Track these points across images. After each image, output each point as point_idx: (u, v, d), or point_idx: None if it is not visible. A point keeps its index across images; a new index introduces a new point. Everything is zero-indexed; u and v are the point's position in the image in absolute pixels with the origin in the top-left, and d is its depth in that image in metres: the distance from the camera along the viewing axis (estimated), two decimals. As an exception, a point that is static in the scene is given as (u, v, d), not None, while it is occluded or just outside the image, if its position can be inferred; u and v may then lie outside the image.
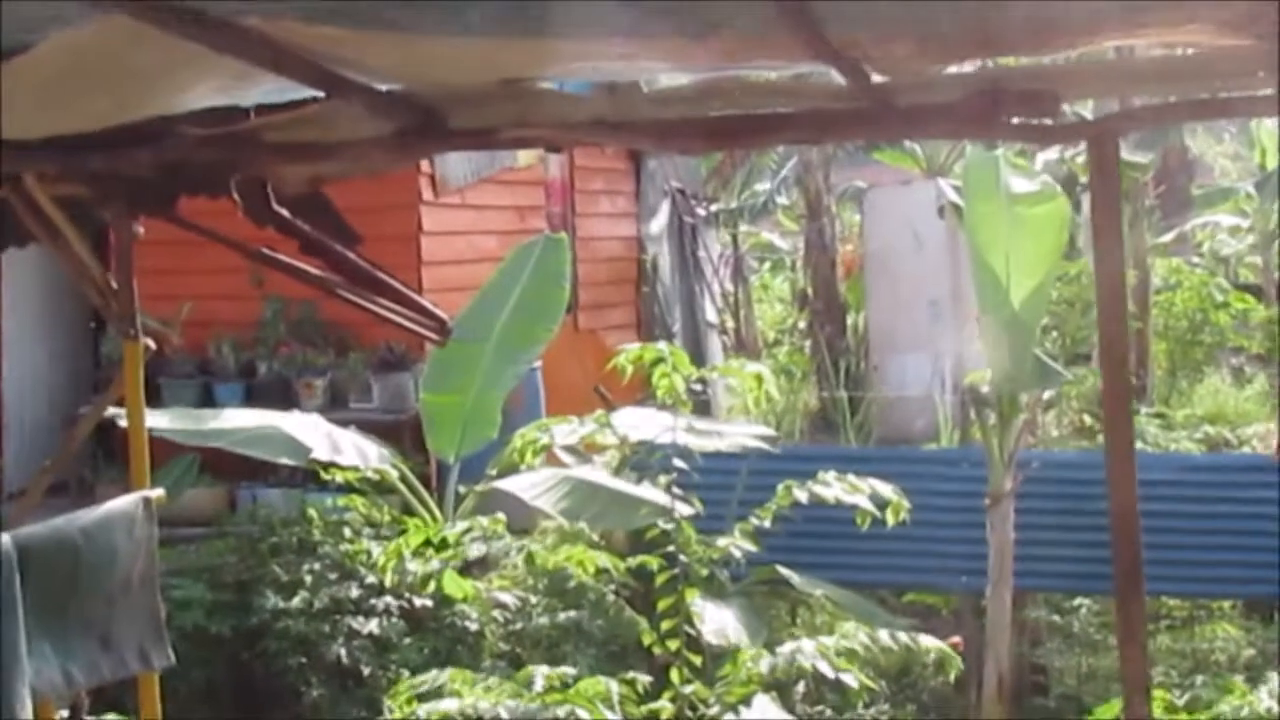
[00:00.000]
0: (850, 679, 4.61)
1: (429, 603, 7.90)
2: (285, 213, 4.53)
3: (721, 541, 5.13)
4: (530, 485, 7.12)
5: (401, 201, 10.22)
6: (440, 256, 10.52)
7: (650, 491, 7.02)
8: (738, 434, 7.42)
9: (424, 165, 10.44)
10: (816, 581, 8.13)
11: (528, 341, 8.92)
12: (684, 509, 6.76)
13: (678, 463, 5.32)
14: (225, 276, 9.87)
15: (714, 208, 17.05)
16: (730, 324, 17.11)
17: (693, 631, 5.12)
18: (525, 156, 11.75)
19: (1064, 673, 8.86)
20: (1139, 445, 11.00)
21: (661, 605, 5.02)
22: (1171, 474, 8.76)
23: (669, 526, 5.24)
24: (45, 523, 4.47)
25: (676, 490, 5.25)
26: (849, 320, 16.44)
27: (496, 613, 8.00)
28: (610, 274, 13.39)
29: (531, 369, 9.39)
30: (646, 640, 5.00)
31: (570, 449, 7.08)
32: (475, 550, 5.11)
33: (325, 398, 10.15)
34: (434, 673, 5.31)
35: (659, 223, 14.67)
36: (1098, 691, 8.68)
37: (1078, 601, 9.29)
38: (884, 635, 4.93)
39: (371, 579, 8.02)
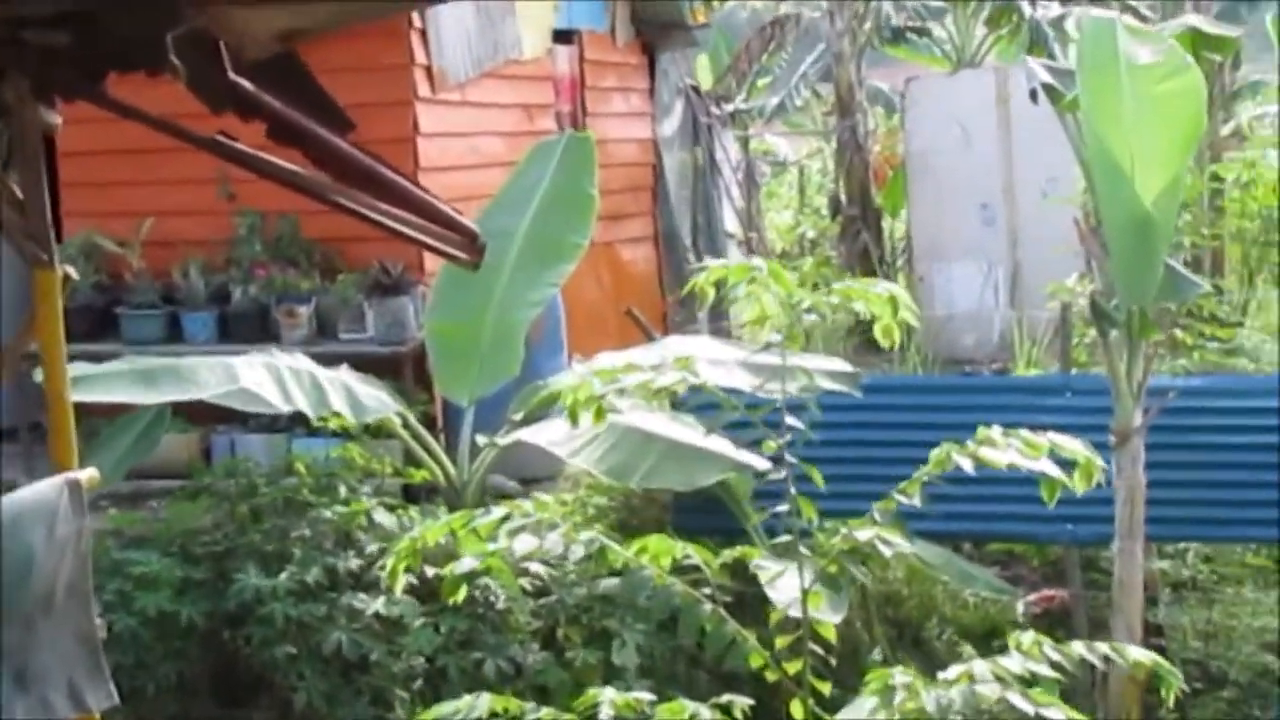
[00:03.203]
0: (1057, 715, 3.33)
1: (444, 572, 6.62)
2: (247, 84, 3.21)
3: (863, 535, 3.80)
4: (566, 436, 5.80)
5: (393, 98, 8.80)
6: (439, 162, 9.10)
7: (716, 443, 5.73)
8: (814, 369, 6.05)
9: (419, 56, 9.02)
10: (895, 536, 6.80)
11: (554, 257, 7.40)
12: (757, 463, 5.49)
13: (791, 420, 3.98)
14: (190, 188, 8.58)
15: (728, 108, 15.67)
16: (744, 234, 15.73)
17: (818, 649, 3.82)
18: (532, 47, 10.36)
19: (1182, 632, 7.59)
20: (1243, 364, 9.71)
21: (774, 617, 3.75)
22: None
23: (783, 509, 3.93)
24: (-72, 523, 3.30)
25: (790, 458, 3.92)
26: (884, 228, 15.09)
27: (525, 581, 6.73)
28: (626, 180, 11.96)
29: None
30: (756, 663, 3.71)
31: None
32: (520, 545, 3.77)
33: (310, 328, 8.74)
34: (468, 699, 4.04)
35: (672, 124, 13.30)
36: (1225, 654, 7.47)
37: (1183, 545, 8.06)
38: (1078, 648, 3.65)
39: (373, 546, 6.75)
